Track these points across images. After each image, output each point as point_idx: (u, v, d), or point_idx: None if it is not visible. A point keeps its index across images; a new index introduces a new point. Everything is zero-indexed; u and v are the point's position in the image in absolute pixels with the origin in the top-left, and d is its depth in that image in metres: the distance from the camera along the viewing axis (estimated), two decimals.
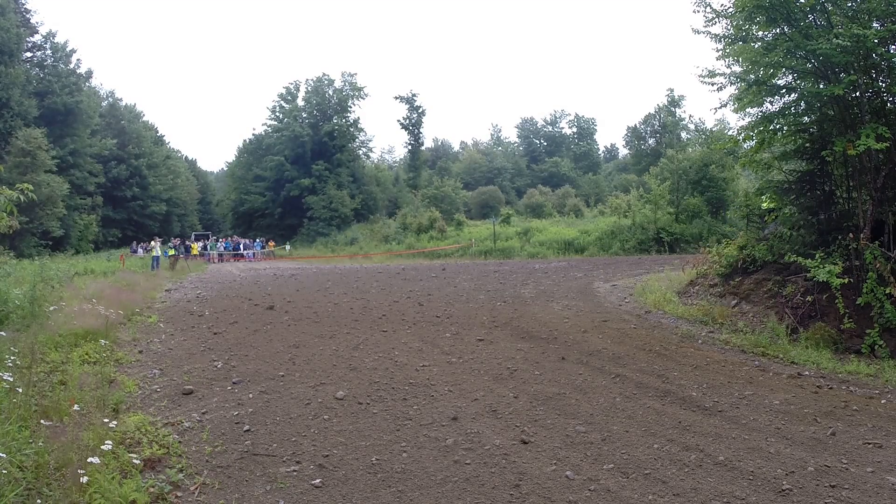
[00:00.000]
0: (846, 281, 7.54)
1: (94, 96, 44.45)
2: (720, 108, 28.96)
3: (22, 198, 6.86)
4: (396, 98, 52.55)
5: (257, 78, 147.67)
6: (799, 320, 8.07)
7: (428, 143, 64.42)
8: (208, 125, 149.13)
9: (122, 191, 45.71)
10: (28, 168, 30.44)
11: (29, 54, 39.94)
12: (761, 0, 8.15)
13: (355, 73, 60.86)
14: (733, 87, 9.33)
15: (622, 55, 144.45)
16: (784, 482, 3.76)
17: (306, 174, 47.02)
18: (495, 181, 62.55)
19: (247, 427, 4.81)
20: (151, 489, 3.60)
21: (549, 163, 69.84)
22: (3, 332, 6.05)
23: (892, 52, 8.10)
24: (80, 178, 38.93)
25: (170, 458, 4.15)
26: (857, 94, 8.34)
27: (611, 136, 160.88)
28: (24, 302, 8.09)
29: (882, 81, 8.31)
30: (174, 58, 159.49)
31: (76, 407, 4.51)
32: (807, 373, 6.53)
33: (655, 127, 57.37)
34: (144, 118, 53.90)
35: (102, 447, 3.74)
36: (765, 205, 10.58)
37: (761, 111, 9.51)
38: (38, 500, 3.22)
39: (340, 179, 47.82)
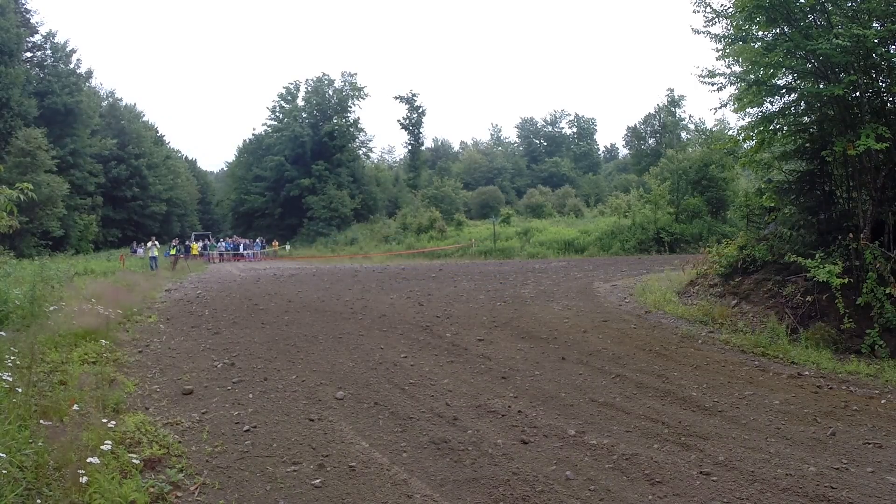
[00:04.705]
0: (846, 281, 7.54)
1: (94, 96, 44.43)
2: (720, 108, 28.97)
3: (22, 197, 6.85)
4: (396, 98, 52.66)
5: (257, 78, 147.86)
6: (799, 320, 8.07)
7: (428, 143, 64.59)
8: (208, 125, 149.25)
9: (122, 191, 45.67)
10: (28, 168, 30.41)
11: (29, 54, 39.93)
12: (761, 0, 8.15)
13: (355, 73, 60.91)
14: (733, 87, 9.34)
15: (622, 55, 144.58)
16: (784, 482, 3.76)
17: (306, 174, 47.02)
18: (495, 181, 62.55)
19: (247, 427, 4.81)
20: (151, 489, 3.60)
21: (549, 163, 69.85)
22: (3, 332, 6.05)
23: (892, 52, 8.10)
24: (80, 178, 38.89)
25: (170, 458, 4.15)
26: (857, 94, 8.34)
27: (611, 136, 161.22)
28: (24, 302, 8.09)
29: (882, 81, 8.31)
30: (174, 58, 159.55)
31: (76, 407, 4.51)
32: (807, 373, 6.53)
33: (655, 127, 57.31)
34: (144, 118, 53.91)
35: (102, 447, 3.74)
36: (765, 202, 10.57)
37: (761, 111, 9.51)
38: (38, 500, 3.22)
39: (340, 179, 47.83)
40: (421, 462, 4.16)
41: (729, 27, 9.10)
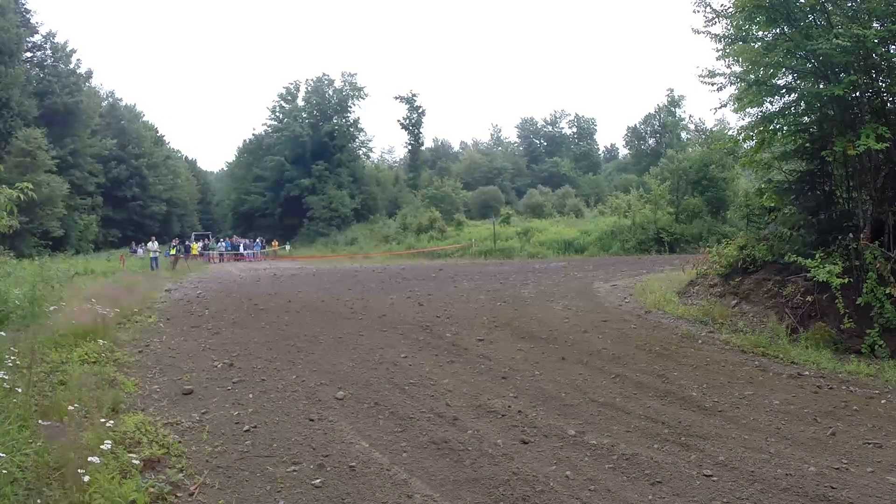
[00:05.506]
0: (846, 281, 7.54)
1: (94, 96, 44.42)
2: (720, 108, 28.87)
3: (22, 197, 6.84)
4: (396, 98, 52.66)
5: (257, 78, 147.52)
6: (799, 320, 8.07)
7: (428, 143, 64.38)
8: (208, 125, 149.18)
9: (122, 191, 45.70)
10: (28, 168, 30.38)
11: (29, 54, 39.93)
12: (761, 0, 8.15)
13: (355, 73, 60.87)
14: (733, 87, 9.33)
15: (622, 55, 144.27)
16: (784, 482, 3.76)
17: (306, 174, 47.02)
18: (495, 181, 62.44)
19: (247, 427, 4.81)
20: (151, 489, 3.60)
21: (549, 163, 69.78)
22: (3, 332, 6.05)
23: (892, 52, 8.10)
24: (80, 178, 38.90)
25: (170, 458, 4.15)
26: (857, 94, 8.33)
27: (611, 136, 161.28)
28: (24, 302, 8.10)
29: (882, 81, 8.30)
30: (174, 58, 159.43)
31: (76, 406, 4.51)
32: (807, 373, 6.53)
33: (655, 127, 57.38)
34: (144, 118, 53.92)
35: (102, 447, 3.74)
36: (765, 202, 10.57)
37: (761, 111, 9.50)
38: (38, 500, 3.22)
39: (340, 179, 47.84)
40: (421, 462, 4.16)
41: (729, 27, 9.11)
